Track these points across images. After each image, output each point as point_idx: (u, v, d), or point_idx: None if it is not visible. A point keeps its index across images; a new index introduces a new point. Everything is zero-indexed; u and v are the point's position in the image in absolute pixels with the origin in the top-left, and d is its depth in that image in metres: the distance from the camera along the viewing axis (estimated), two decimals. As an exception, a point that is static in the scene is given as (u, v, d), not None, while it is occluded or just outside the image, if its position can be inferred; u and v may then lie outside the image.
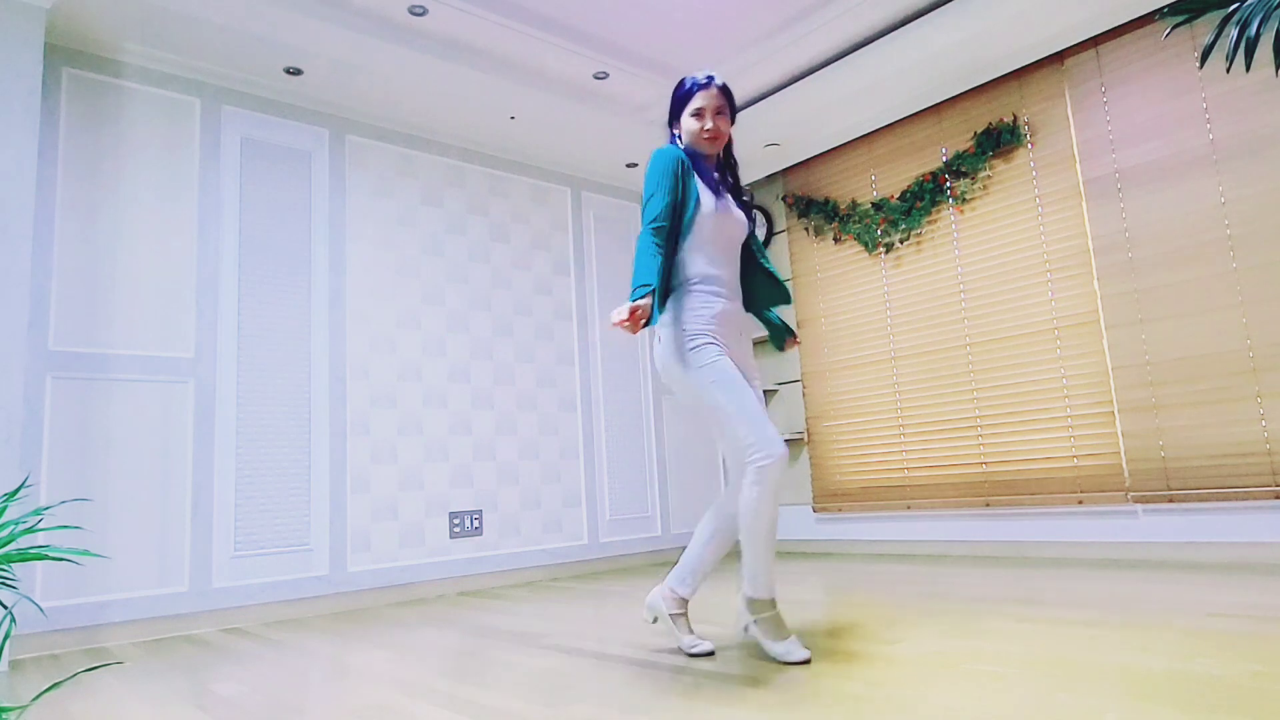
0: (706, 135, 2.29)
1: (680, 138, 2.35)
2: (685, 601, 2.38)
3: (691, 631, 2.36)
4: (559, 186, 5.12)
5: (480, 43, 3.89)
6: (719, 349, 2.19)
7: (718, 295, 2.25)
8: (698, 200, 2.23)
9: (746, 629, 2.23)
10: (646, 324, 2.07)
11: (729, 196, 2.35)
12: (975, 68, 4.22)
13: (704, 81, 2.31)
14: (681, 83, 2.35)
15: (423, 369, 4.29)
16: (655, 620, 2.42)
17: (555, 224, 5.05)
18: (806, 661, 2.10)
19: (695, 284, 2.25)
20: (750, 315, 2.43)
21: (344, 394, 3.98)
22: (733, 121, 2.38)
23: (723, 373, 2.15)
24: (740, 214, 2.35)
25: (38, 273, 3.24)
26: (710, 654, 2.28)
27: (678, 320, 2.23)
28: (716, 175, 2.37)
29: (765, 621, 2.18)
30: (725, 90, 2.34)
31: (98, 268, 3.40)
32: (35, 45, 3.08)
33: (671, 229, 2.20)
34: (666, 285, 2.23)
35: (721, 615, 2.86)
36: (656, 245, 2.15)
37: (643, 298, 2.05)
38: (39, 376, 3.18)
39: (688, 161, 2.26)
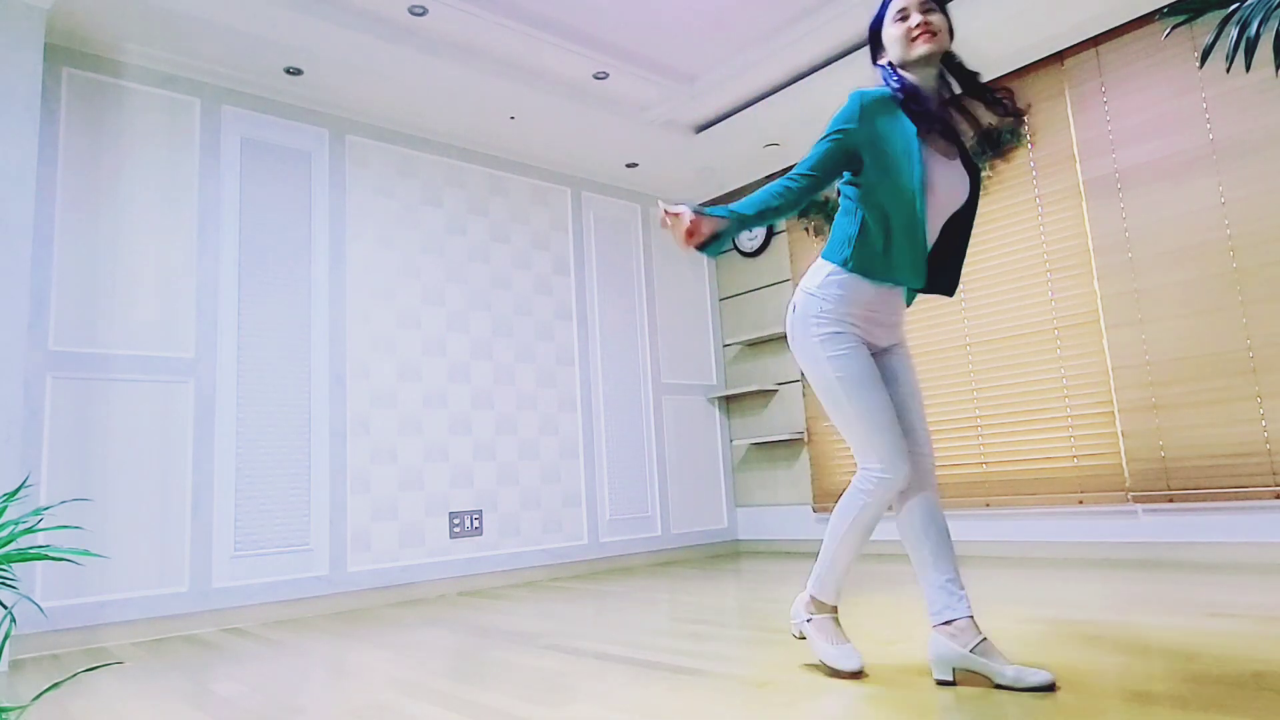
0: (917, 33, 1.82)
1: (889, 69, 1.90)
2: (950, 621, 1.83)
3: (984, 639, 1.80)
4: (559, 186, 5.12)
5: (480, 43, 3.89)
6: (855, 340, 1.89)
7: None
8: (925, 150, 1.81)
9: (800, 628, 2.06)
10: (703, 248, 1.80)
11: (955, 147, 1.90)
12: (975, 68, 4.20)
13: None
14: (874, 16, 1.96)
15: (423, 369, 4.29)
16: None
17: (555, 224, 5.05)
18: (859, 673, 1.90)
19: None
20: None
21: (344, 394, 3.98)
22: (951, 35, 1.89)
23: (853, 370, 1.86)
24: (963, 175, 1.90)
25: (38, 272, 3.24)
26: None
27: (818, 295, 1.91)
28: (939, 123, 1.88)
29: (821, 623, 2.01)
30: None
31: (98, 268, 3.40)
32: (35, 45, 3.08)
33: (863, 187, 1.85)
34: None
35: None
36: (783, 187, 1.82)
37: (715, 217, 1.76)
38: (39, 376, 3.18)
39: (890, 100, 1.85)
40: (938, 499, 1.91)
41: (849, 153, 1.86)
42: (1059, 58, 4.05)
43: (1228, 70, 2.70)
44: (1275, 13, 2.38)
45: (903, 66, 1.89)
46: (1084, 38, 3.92)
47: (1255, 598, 2.58)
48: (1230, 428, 3.41)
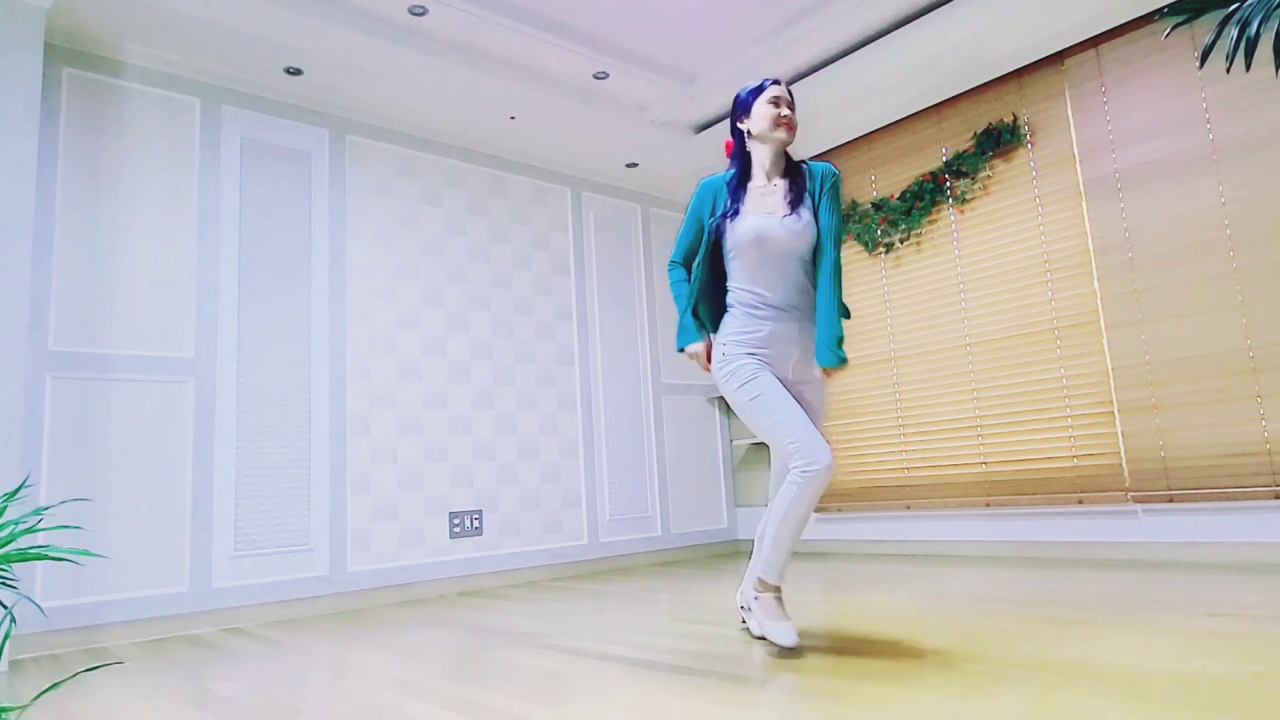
0: (783, 120, 2.36)
1: (748, 133, 2.41)
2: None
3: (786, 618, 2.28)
4: (559, 186, 5.12)
5: (480, 43, 3.89)
6: (755, 363, 2.29)
7: (757, 315, 2.32)
8: (736, 218, 2.34)
9: (745, 608, 2.36)
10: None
11: (792, 207, 2.35)
12: (975, 68, 4.21)
13: (773, 81, 2.42)
14: (745, 88, 2.45)
15: (423, 369, 4.29)
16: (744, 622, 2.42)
17: (555, 224, 5.05)
18: (795, 648, 2.20)
19: (736, 303, 2.37)
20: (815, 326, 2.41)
21: (344, 394, 3.98)
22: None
23: (758, 388, 2.25)
24: (800, 225, 2.33)
25: (38, 273, 3.24)
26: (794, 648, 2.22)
27: (719, 340, 2.39)
28: (782, 182, 2.40)
29: (765, 600, 2.28)
30: (791, 93, 2.47)
31: (98, 268, 3.40)
32: (35, 45, 3.08)
33: (710, 254, 2.39)
34: (713, 302, 2.44)
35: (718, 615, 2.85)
36: (681, 282, 2.48)
37: (689, 345, 2.42)
38: (39, 376, 3.18)
39: (732, 181, 2.39)
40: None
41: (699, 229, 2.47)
42: (1059, 58, 4.05)
43: (1228, 70, 2.71)
44: (1275, 13, 2.38)
45: (759, 138, 2.40)
46: (1084, 38, 3.92)
47: (1255, 598, 2.58)
48: (1230, 428, 3.41)
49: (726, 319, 2.39)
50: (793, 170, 2.42)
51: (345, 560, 3.85)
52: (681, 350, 2.43)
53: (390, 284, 4.25)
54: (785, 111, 2.37)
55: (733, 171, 2.43)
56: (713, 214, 2.38)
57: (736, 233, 2.33)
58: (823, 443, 2.19)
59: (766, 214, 2.33)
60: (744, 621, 2.42)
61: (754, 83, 2.44)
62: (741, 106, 2.43)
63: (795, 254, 2.32)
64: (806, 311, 2.36)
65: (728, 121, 4.74)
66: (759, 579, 2.31)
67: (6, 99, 2.99)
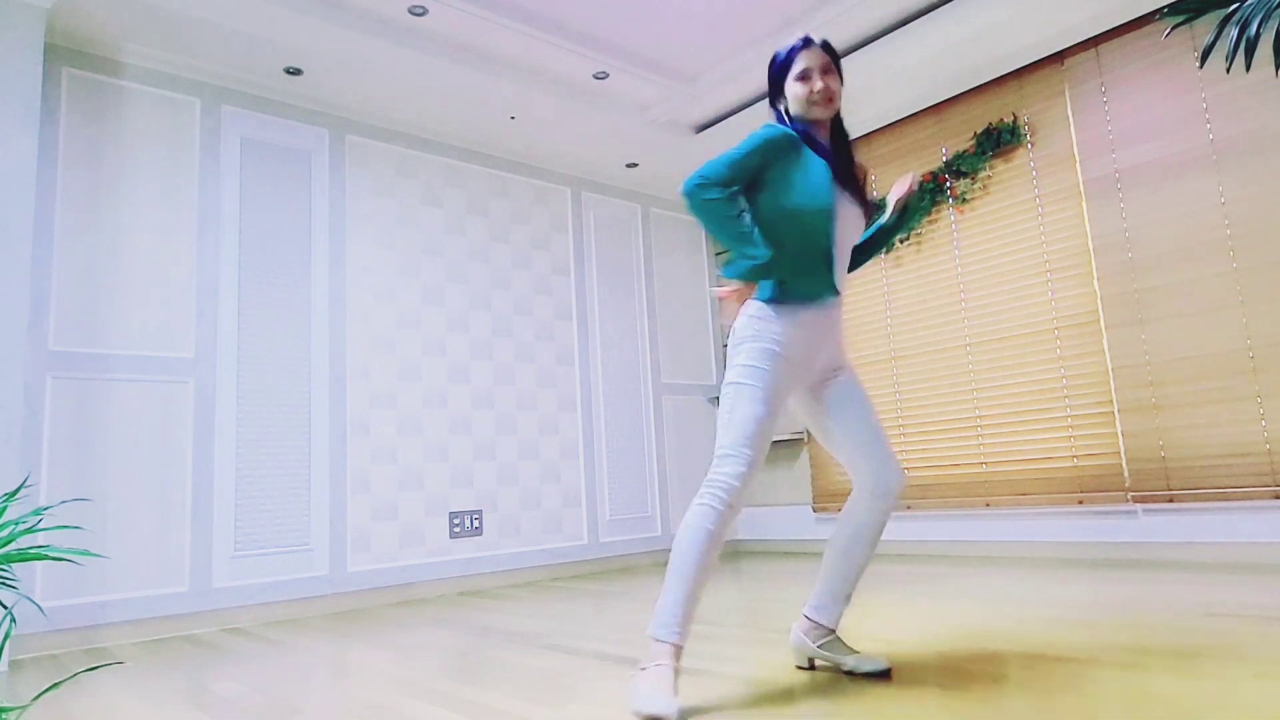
0: (818, 96, 1.97)
1: (786, 114, 2.04)
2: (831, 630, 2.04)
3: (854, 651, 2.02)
4: (559, 186, 5.12)
5: (480, 43, 3.89)
6: (780, 362, 1.88)
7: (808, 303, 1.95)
8: (807, 190, 1.91)
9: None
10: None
11: (848, 190, 2.01)
12: (975, 68, 4.21)
13: (802, 43, 2.02)
14: (777, 54, 2.06)
15: (423, 369, 4.29)
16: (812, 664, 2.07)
17: (555, 224, 5.05)
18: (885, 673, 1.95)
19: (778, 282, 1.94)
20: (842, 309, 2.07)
21: (344, 394, 3.98)
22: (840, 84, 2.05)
23: (768, 379, 1.87)
24: (858, 210, 2.02)
25: (38, 273, 3.24)
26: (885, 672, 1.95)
27: (758, 317, 1.93)
28: (833, 162, 2.00)
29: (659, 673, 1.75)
30: (829, 47, 2.05)
31: (98, 268, 3.40)
32: (35, 45, 3.08)
33: (769, 216, 1.92)
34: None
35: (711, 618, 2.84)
36: (731, 202, 1.85)
37: (754, 269, 1.81)
38: (39, 376, 3.18)
39: (797, 139, 1.96)
40: (883, 523, 1.99)
41: (755, 173, 1.94)
42: (1059, 58, 4.05)
43: (1228, 70, 2.70)
44: (1275, 13, 2.38)
45: (798, 118, 2.02)
46: (1084, 38, 3.92)
47: (1255, 598, 2.58)
48: (1230, 428, 3.41)
49: (762, 307, 1.94)
50: (841, 142, 2.07)
51: (345, 560, 3.85)
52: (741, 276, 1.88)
53: (390, 284, 4.25)
54: (818, 86, 1.98)
55: (801, 130, 2.02)
56: (778, 158, 1.93)
57: (815, 201, 1.92)
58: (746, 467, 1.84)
59: (843, 191, 2.00)
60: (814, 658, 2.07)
61: (785, 47, 2.04)
62: (774, 84, 2.08)
63: (852, 240, 2.03)
64: (840, 299, 2.02)
65: (728, 121, 4.79)
66: (674, 646, 1.77)
67: (6, 99, 2.99)
